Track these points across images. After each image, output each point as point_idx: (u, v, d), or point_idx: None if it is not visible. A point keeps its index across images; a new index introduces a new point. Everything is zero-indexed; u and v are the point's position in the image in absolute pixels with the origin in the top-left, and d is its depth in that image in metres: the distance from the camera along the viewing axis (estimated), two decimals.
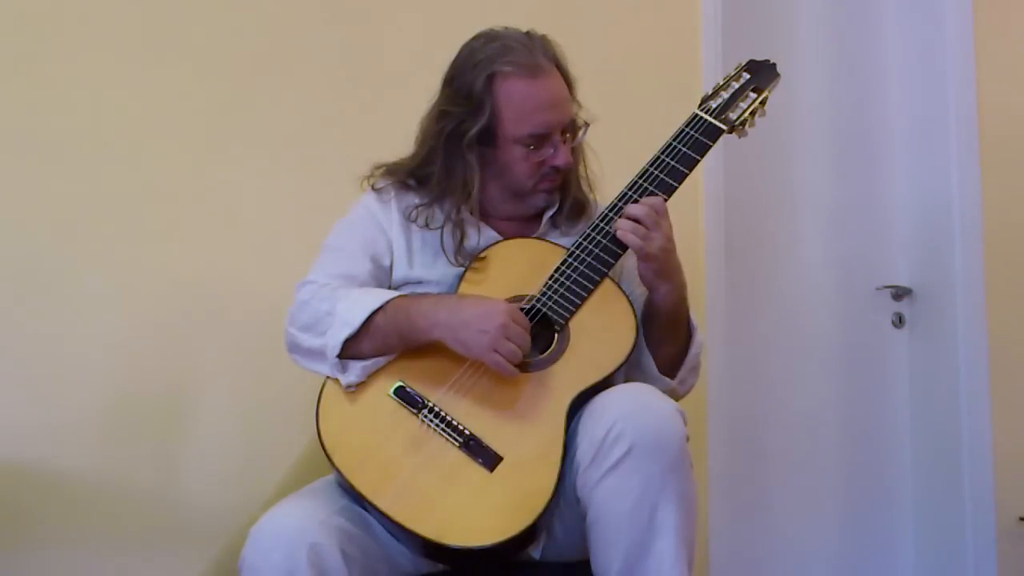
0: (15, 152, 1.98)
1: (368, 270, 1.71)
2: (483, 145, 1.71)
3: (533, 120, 1.69)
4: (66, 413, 1.95)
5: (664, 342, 1.70)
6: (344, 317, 1.58)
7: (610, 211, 1.68)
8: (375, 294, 1.61)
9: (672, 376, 1.71)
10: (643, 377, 1.69)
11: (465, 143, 1.70)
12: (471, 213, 1.74)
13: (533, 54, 1.70)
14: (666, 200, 1.67)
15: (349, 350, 1.58)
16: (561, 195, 1.80)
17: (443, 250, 1.73)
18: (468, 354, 1.55)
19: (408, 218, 1.76)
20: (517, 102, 1.69)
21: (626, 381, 1.69)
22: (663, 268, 1.64)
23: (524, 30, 1.74)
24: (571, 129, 1.74)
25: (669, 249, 1.64)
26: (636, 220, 1.63)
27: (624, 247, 1.65)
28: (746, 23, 2.71)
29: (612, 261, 1.65)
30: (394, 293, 1.62)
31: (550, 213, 1.80)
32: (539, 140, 1.70)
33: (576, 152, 1.79)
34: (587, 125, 1.76)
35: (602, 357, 1.60)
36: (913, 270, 2.89)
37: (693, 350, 1.74)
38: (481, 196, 1.74)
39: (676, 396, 1.73)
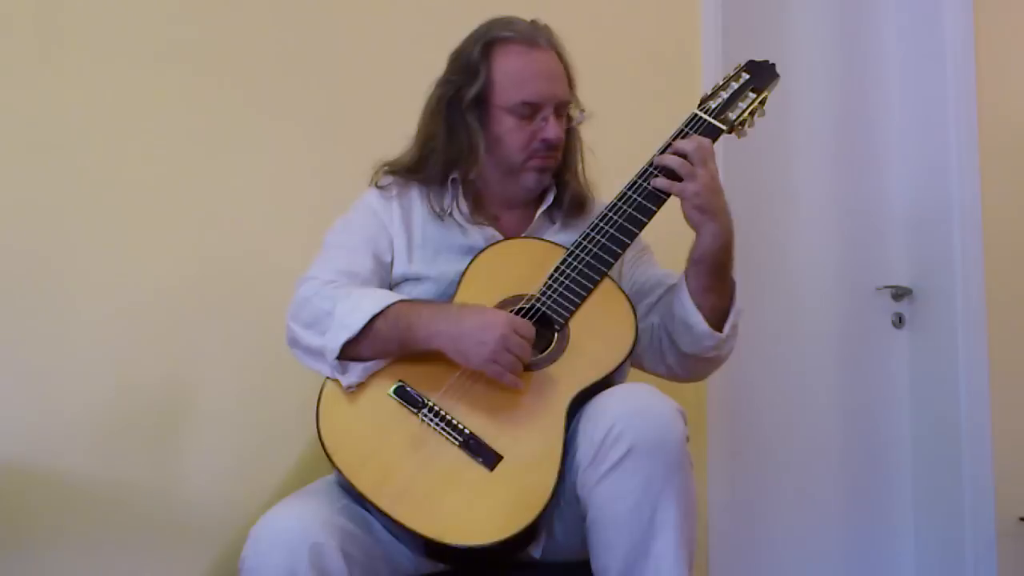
0: (16, 149, 1.98)
1: (370, 267, 1.72)
2: (479, 112, 1.73)
3: (526, 88, 1.70)
4: (65, 413, 1.95)
5: (711, 291, 1.69)
6: (344, 320, 1.58)
7: (610, 211, 1.68)
8: (375, 297, 1.61)
9: (720, 330, 1.70)
10: (691, 335, 1.69)
11: (464, 107, 1.72)
12: (478, 177, 1.75)
13: (533, 30, 1.74)
14: (664, 200, 1.67)
15: (348, 352, 1.58)
16: (558, 189, 1.81)
17: (457, 212, 1.75)
18: (467, 364, 1.55)
19: (414, 214, 1.76)
20: (511, 68, 1.71)
21: (658, 353, 1.73)
22: (708, 205, 1.64)
23: (530, 19, 1.77)
24: (566, 109, 1.75)
25: (715, 189, 1.64)
26: (684, 156, 1.64)
27: (625, 245, 1.66)
28: (746, 23, 2.71)
29: (612, 260, 1.65)
30: (395, 297, 1.62)
31: (544, 207, 1.80)
32: (531, 110, 1.71)
33: (573, 149, 1.80)
34: (583, 112, 1.77)
35: (602, 356, 1.60)
36: (913, 270, 2.89)
37: (736, 306, 1.73)
38: (477, 176, 1.76)
39: (720, 358, 1.74)
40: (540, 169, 1.76)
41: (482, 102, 1.73)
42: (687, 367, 1.77)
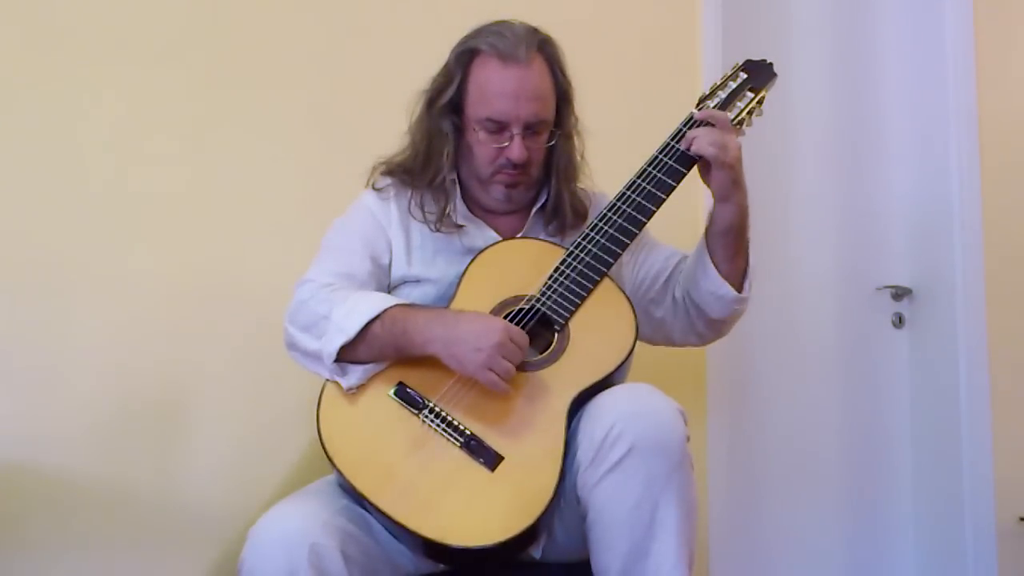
0: (14, 152, 1.98)
1: (368, 269, 1.71)
2: (456, 117, 1.73)
3: (492, 105, 1.68)
4: (65, 414, 1.95)
5: (738, 255, 1.71)
6: (340, 324, 1.58)
7: (609, 211, 1.68)
8: (371, 300, 1.60)
9: (742, 289, 1.73)
10: (721, 303, 1.72)
11: (436, 111, 1.72)
12: (454, 183, 1.76)
13: (518, 44, 1.68)
14: (664, 200, 1.67)
15: (344, 356, 1.58)
16: (549, 195, 1.79)
17: (455, 212, 1.74)
18: (462, 371, 1.54)
19: (410, 214, 1.76)
20: (481, 82, 1.69)
21: (687, 324, 1.76)
22: (739, 176, 1.66)
23: (533, 26, 1.74)
24: (539, 129, 1.71)
25: (740, 157, 1.66)
26: (711, 124, 1.66)
27: (624, 245, 1.66)
28: (746, 23, 2.71)
29: (612, 261, 1.65)
30: (392, 300, 1.61)
31: (538, 206, 1.80)
32: (498, 127, 1.69)
33: (564, 157, 1.77)
34: (558, 131, 1.75)
35: (602, 357, 1.60)
36: (913, 270, 2.89)
37: (751, 264, 1.76)
38: (462, 181, 1.77)
39: (744, 310, 1.76)
40: (507, 184, 1.74)
41: (456, 108, 1.73)
42: (717, 329, 1.83)
